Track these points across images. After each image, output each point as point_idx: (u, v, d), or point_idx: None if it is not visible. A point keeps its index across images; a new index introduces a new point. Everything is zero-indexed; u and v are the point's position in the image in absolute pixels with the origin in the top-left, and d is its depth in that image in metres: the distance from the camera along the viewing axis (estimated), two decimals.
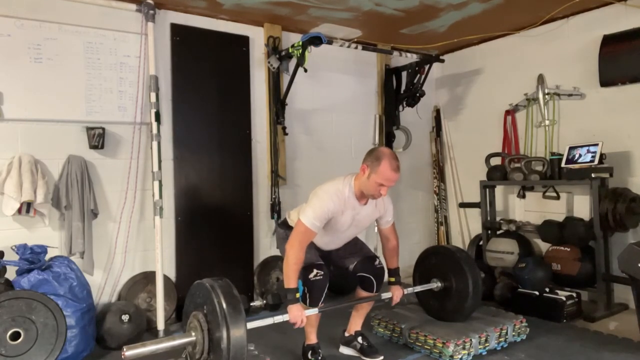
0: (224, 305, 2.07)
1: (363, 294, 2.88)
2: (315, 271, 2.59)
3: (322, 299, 2.63)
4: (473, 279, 2.94)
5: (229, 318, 2.04)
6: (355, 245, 2.91)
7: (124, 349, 2.04)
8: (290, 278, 2.47)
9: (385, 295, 2.85)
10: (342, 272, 2.91)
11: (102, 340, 3.08)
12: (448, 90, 5.20)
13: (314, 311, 2.56)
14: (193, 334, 2.18)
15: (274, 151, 4.10)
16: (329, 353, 2.93)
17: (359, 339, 2.92)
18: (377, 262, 2.84)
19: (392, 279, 2.91)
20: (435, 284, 3.05)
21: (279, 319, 2.44)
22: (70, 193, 3.21)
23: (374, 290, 2.84)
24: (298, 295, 2.50)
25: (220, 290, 2.13)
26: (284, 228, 2.82)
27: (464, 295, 2.94)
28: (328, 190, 2.57)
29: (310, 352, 2.76)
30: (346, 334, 2.99)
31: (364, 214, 2.70)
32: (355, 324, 2.97)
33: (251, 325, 2.23)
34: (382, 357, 2.83)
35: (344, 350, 2.98)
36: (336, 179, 2.64)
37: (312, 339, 2.79)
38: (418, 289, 3.08)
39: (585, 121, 3.98)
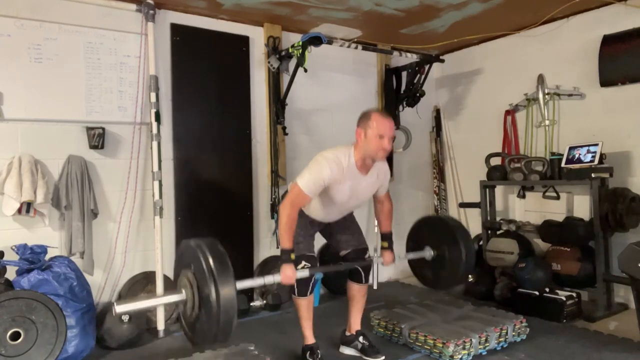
0: (210, 260, 2.07)
1: (353, 285, 2.91)
2: (303, 263, 2.65)
3: (310, 289, 2.74)
4: (466, 245, 2.90)
5: (216, 273, 2.04)
6: (352, 228, 2.91)
7: (114, 304, 2.06)
8: (284, 239, 2.48)
9: (377, 259, 2.88)
10: (335, 256, 2.94)
11: (102, 340, 3.08)
12: (448, 90, 5.20)
13: (304, 273, 2.58)
14: (183, 291, 2.18)
15: (274, 151, 4.10)
16: (329, 353, 2.94)
17: (360, 339, 2.92)
18: (366, 256, 2.88)
19: (385, 244, 2.93)
20: (428, 252, 3.02)
21: (269, 279, 2.48)
22: (70, 193, 3.21)
23: (363, 281, 2.88)
24: (292, 255, 2.50)
25: (206, 247, 2.14)
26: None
27: (457, 262, 2.91)
28: (327, 157, 2.54)
29: (308, 352, 2.77)
30: (347, 334, 2.99)
31: (365, 185, 2.68)
32: (355, 322, 2.96)
33: (241, 285, 2.24)
34: (383, 357, 2.84)
35: (345, 350, 2.98)
36: (338, 147, 2.61)
37: (310, 339, 2.81)
38: (411, 256, 3.07)
39: (585, 121, 3.98)
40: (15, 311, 2.49)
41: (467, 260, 2.91)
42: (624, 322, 3.34)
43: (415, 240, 3.16)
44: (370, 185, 2.72)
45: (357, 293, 2.91)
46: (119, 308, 2.06)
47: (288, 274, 2.47)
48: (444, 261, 2.97)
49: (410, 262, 3.16)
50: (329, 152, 2.58)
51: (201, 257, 2.08)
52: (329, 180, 2.51)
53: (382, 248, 2.93)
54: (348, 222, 2.92)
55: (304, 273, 2.58)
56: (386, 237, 2.93)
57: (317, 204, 2.69)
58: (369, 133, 2.50)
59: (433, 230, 3.08)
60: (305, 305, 2.78)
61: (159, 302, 2.19)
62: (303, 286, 2.73)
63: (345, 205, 2.74)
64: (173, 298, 2.21)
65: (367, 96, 4.81)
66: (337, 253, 2.94)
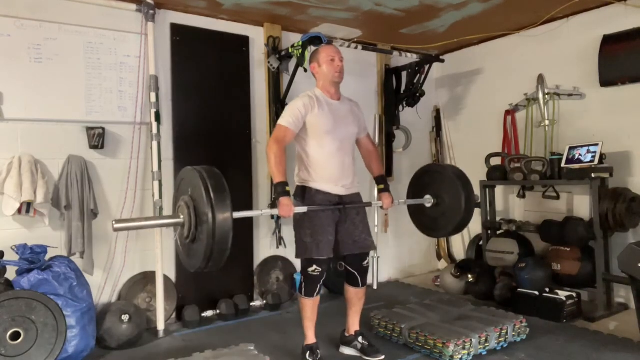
0: (207, 178, 2.11)
1: (350, 288, 2.90)
2: (314, 267, 2.69)
3: (317, 290, 2.75)
4: (466, 194, 2.90)
5: (212, 189, 2.07)
6: (361, 227, 2.86)
7: (113, 222, 2.11)
8: (276, 174, 2.57)
9: (376, 203, 2.90)
10: (337, 255, 2.92)
11: (102, 340, 3.08)
12: (448, 90, 5.20)
13: (302, 209, 2.60)
14: (181, 215, 2.22)
15: None
16: (329, 353, 2.94)
17: (360, 339, 2.93)
18: (365, 262, 2.87)
19: (381, 186, 2.96)
20: (428, 199, 3.03)
21: (267, 212, 2.57)
22: (70, 193, 3.21)
23: (360, 285, 2.88)
24: (288, 188, 2.55)
25: (203, 169, 2.19)
26: (298, 195, 2.78)
27: (456, 209, 2.91)
28: (297, 96, 2.76)
29: (308, 352, 2.77)
30: (346, 334, 2.99)
31: (344, 112, 2.80)
32: (354, 323, 2.97)
33: (237, 214, 2.24)
34: (383, 357, 2.84)
35: (345, 350, 2.98)
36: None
37: (311, 338, 2.80)
38: (410, 202, 3.09)
39: (585, 121, 3.98)
40: (15, 311, 2.49)
41: (467, 208, 2.91)
42: (624, 322, 3.34)
43: (416, 188, 3.15)
44: (348, 113, 2.83)
45: (354, 296, 2.91)
46: (118, 225, 2.11)
47: (285, 205, 2.51)
48: (443, 209, 2.97)
49: (410, 209, 3.16)
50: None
51: (198, 176, 2.13)
52: (304, 109, 2.66)
53: (379, 191, 2.96)
54: (358, 220, 2.85)
55: (302, 209, 2.59)
56: (380, 180, 2.98)
57: (317, 153, 2.70)
58: (321, 61, 2.76)
59: (434, 179, 3.07)
60: (311, 306, 2.78)
61: (157, 224, 2.26)
62: (311, 285, 2.73)
63: (340, 135, 2.73)
64: (171, 221, 2.26)
65: (367, 96, 4.81)
66: (339, 251, 2.89)
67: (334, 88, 2.80)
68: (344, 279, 2.93)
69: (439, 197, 3.02)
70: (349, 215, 2.79)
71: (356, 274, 2.86)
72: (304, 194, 2.73)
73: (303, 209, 2.60)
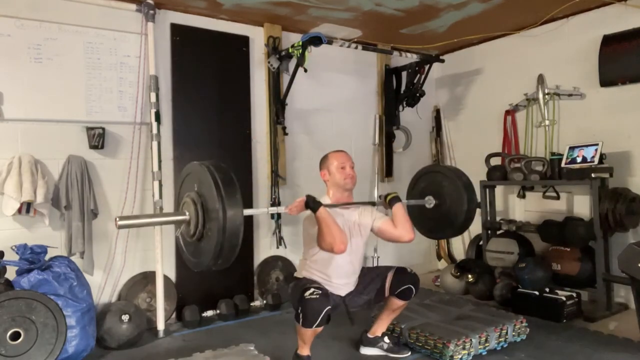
0: (216, 174, 2.04)
1: (399, 302, 2.80)
2: (312, 289, 2.46)
3: (319, 321, 2.41)
4: (468, 195, 2.89)
5: (222, 184, 2.01)
6: (370, 273, 2.85)
7: (117, 218, 2.04)
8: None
9: (378, 203, 2.87)
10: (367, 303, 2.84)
11: (102, 340, 3.08)
12: (448, 90, 5.20)
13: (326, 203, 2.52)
14: (186, 212, 2.16)
15: (274, 151, 4.09)
16: (330, 353, 2.93)
17: (386, 339, 2.94)
18: (410, 270, 2.81)
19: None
20: (429, 201, 3.01)
21: (273, 209, 2.60)
22: (70, 193, 3.21)
23: (412, 298, 2.80)
24: (319, 205, 2.45)
25: (210, 164, 2.13)
26: (295, 280, 2.78)
27: (458, 211, 2.90)
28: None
29: None
30: (369, 336, 2.97)
31: (353, 220, 2.72)
32: (382, 327, 2.95)
33: (247, 212, 2.22)
34: (409, 354, 2.87)
35: (367, 351, 2.96)
36: None
37: (305, 350, 2.62)
38: (411, 202, 3.08)
39: (585, 121, 3.98)
40: (15, 311, 2.49)
41: (468, 210, 2.90)
42: (624, 322, 3.34)
43: (416, 190, 3.15)
44: (357, 219, 2.73)
45: (399, 307, 2.84)
46: (121, 222, 2.05)
47: (298, 202, 2.46)
48: (444, 210, 2.96)
49: (410, 211, 3.08)
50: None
51: (207, 171, 2.07)
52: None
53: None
54: (366, 276, 2.82)
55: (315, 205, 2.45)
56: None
57: (324, 264, 2.63)
58: (332, 169, 2.72)
59: (435, 181, 3.06)
60: (309, 335, 2.54)
61: (162, 221, 2.18)
62: (310, 313, 2.41)
63: (352, 247, 2.64)
64: (177, 217, 2.19)
65: (367, 96, 4.81)
66: (370, 299, 2.81)
67: (346, 194, 2.73)
68: (391, 295, 2.79)
69: (440, 199, 3.01)
70: (350, 294, 2.76)
71: (412, 287, 2.74)
72: (302, 279, 2.68)
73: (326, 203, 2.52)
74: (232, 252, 2.08)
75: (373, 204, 2.90)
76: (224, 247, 2.03)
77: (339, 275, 2.69)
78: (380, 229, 2.74)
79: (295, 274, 2.83)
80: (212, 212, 2.03)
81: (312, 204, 2.46)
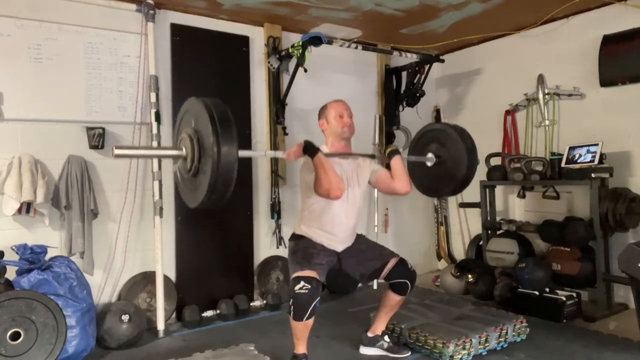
0: (212, 108, 2.06)
1: (396, 297, 2.81)
2: (302, 283, 2.49)
3: (307, 314, 2.48)
4: (467, 146, 2.87)
5: (218, 121, 2.03)
6: (371, 250, 2.84)
7: (114, 147, 2.06)
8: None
9: (378, 156, 2.86)
10: (354, 281, 2.84)
11: (102, 340, 3.08)
12: (448, 90, 5.20)
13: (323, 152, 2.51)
14: (183, 148, 2.17)
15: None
16: (330, 353, 2.93)
17: (386, 338, 2.94)
18: (410, 266, 2.81)
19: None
20: (430, 158, 2.99)
21: (271, 153, 2.64)
22: (70, 193, 3.21)
23: (407, 293, 2.81)
24: (318, 151, 2.47)
25: (208, 99, 2.14)
26: (293, 239, 2.77)
27: (459, 164, 2.87)
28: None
29: None
30: (369, 335, 2.96)
31: (350, 169, 2.73)
32: (382, 325, 2.95)
33: (243, 153, 2.22)
34: (409, 354, 2.87)
35: (367, 351, 2.95)
36: None
37: (301, 348, 2.62)
38: (412, 158, 3.07)
39: (585, 121, 3.98)
40: (15, 311, 2.49)
41: (469, 162, 2.86)
42: (624, 322, 3.34)
43: (418, 148, 3.13)
44: (355, 169, 2.74)
45: (395, 303, 2.85)
46: (118, 151, 2.08)
47: (297, 147, 2.47)
48: (445, 167, 2.94)
49: (411, 167, 3.07)
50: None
51: (203, 106, 2.08)
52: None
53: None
54: (364, 247, 2.82)
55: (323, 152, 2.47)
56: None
57: (322, 212, 2.63)
58: (330, 117, 2.74)
59: (437, 138, 3.03)
60: (300, 329, 2.56)
61: (158, 154, 2.18)
62: (299, 306, 2.48)
63: (344, 198, 2.60)
64: (173, 152, 2.21)
65: (367, 96, 4.81)
66: (361, 276, 2.83)
67: (343, 143, 2.75)
68: (388, 288, 2.82)
69: (440, 156, 2.97)
70: (348, 254, 2.76)
71: (408, 282, 2.76)
72: (300, 239, 2.70)
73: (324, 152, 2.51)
74: (226, 188, 2.08)
75: (372, 156, 2.88)
76: (217, 182, 2.05)
77: (334, 225, 2.69)
78: (378, 180, 2.78)
79: (294, 229, 2.81)
80: (207, 147, 2.05)
81: (310, 148, 2.47)
